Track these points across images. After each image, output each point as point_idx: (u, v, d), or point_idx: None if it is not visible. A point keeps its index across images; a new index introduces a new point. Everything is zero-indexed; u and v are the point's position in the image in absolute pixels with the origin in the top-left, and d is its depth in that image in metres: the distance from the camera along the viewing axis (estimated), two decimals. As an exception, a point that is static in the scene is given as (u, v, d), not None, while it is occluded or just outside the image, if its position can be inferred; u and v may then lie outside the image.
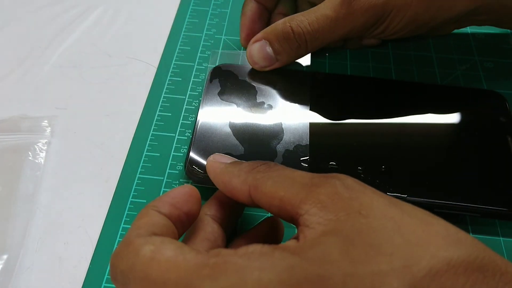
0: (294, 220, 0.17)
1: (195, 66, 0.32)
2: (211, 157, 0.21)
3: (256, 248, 0.16)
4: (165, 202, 0.18)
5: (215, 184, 0.21)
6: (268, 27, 0.28)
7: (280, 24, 0.28)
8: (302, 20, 0.27)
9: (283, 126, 0.27)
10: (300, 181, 0.18)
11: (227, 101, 0.28)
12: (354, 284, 0.14)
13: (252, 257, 0.15)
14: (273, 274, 0.14)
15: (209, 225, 0.20)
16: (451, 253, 0.14)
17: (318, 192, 0.17)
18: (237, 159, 0.21)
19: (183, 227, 0.19)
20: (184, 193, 0.19)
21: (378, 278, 0.14)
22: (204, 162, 0.25)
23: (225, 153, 0.25)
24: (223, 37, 0.34)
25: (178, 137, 0.28)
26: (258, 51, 0.28)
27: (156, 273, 0.15)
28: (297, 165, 0.25)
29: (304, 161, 0.25)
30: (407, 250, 0.15)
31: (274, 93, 0.29)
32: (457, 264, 0.14)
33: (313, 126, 0.27)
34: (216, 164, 0.21)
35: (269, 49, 0.28)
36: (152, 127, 0.28)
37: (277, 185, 0.18)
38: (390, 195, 0.24)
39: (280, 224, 0.22)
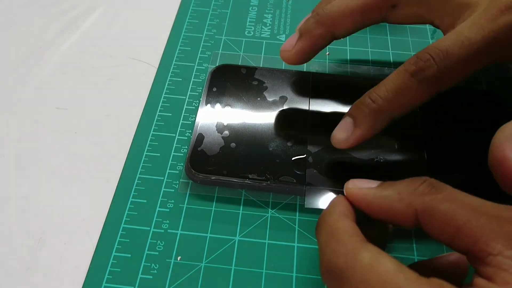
0: (474, 256, 0.16)
1: (196, 67, 0.32)
2: (350, 185, 0.19)
3: None
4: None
5: (368, 212, 0.19)
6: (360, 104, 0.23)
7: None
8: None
9: (282, 126, 0.27)
10: (484, 211, 0.16)
11: (226, 101, 0.28)
12: None
13: None
14: None
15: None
16: None
17: None
18: (382, 181, 0.19)
19: None
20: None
21: None
22: (204, 162, 0.25)
23: (223, 152, 0.26)
24: (223, 37, 0.34)
25: (178, 137, 0.28)
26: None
27: (375, 280, 0.15)
28: (295, 165, 0.25)
29: (302, 160, 0.25)
30: None
31: (274, 94, 0.29)
32: None
33: (312, 126, 0.27)
34: (364, 191, 0.19)
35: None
36: (153, 127, 0.28)
37: (453, 212, 0.16)
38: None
39: (464, 265, 0.19)
